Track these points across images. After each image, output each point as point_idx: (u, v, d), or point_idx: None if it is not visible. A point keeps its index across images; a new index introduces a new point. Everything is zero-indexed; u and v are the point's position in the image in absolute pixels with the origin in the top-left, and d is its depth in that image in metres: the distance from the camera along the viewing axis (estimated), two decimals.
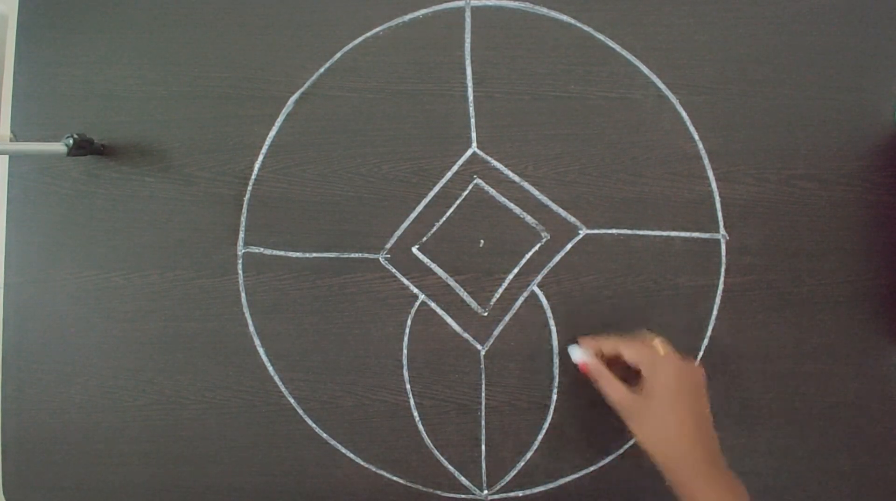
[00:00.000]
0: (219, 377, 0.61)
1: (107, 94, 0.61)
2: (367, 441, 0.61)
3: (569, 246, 0.60)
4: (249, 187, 0.61)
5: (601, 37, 0.60)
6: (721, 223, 0.60)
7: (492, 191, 0.60)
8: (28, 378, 0.61)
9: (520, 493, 0.61)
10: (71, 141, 0.55)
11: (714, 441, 0.50)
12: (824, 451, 0.60)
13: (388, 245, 0.60)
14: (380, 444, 0.61)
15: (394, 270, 0.60)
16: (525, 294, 0.60)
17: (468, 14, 0.60)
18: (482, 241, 0.60)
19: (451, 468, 0.61)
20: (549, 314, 0.60)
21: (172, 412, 0.61)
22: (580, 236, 0.60)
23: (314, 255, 0.60)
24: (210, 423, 0.61)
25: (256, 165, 0.61)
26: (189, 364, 0.61)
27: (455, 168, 0.60)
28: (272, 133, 0.61)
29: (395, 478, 0.61)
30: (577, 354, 0.55)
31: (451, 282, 0.60)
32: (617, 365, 0.53)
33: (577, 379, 0.60)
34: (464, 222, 0.60)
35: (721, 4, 0.60)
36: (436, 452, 0.61)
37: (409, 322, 0.60)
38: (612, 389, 0.52)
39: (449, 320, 0.61)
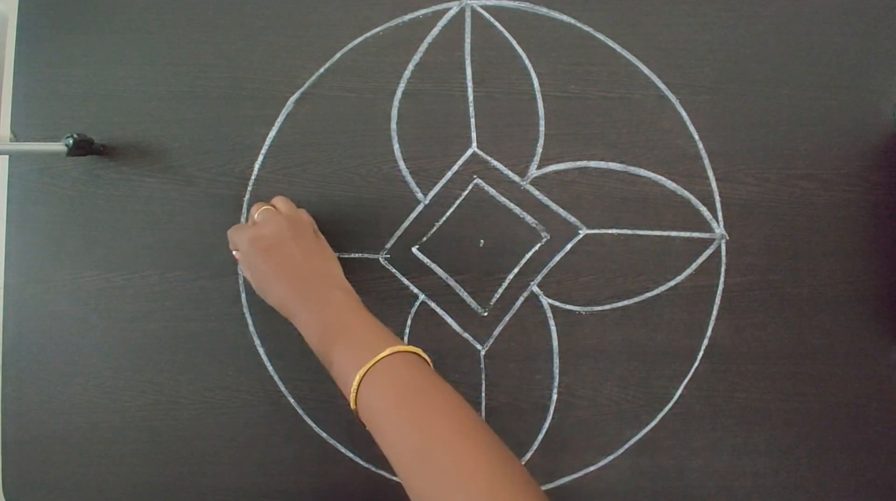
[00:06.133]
0: (219, 377, 0.61)
1: (107, 94, 0.61)
2: (366, 440, 0.60)
3: (569, 246, 0.60)
4: (249, 187, 0.61)
5: (601, 37, 0.60)
6: (721, 223, 0.60)
7: (492, 191, 0.60)
8: (28, 378, 0.61)
9: None
10: (71, 141, 0.55)
11: (298, 275, 0.51)
12: (824, 451, 0.60)
13: (388, 245, 0.60)
14: None
15: (394, 270, 0.60)
16: (525, 294, 0.60)
17: (468, 14, 0.60)
18: (482, 241, 0.60)
19: None
20: (549, 313, 0.60)
21: (172, 413, 0.61)
22: (580, 236, 0.60)
23: None
24: (210, 423, 0.61)
25: (256, 165, 0.61)
26: (189, 364, 0.61)
27: (455, 168, 0.60)
28: (272, 133, 0.61)
29: (394, 478, 0.61)
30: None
31: (451, 282, 0.60)
32: None
33: (577, 379, 0.60)
34: (464, 222, 0.60)
35: (721, 4, 0.60)
36: None
37: (409, 322, 0.60)
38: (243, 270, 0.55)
39: (449, 320, 0.61)
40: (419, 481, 0.38)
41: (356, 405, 0.43)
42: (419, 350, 0.44)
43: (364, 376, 0.42)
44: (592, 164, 0.60)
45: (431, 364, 0.45)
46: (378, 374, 0.42)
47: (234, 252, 0.55)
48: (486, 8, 0.60)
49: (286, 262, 0.51)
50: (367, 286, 0.60)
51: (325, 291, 0.50)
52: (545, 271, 0.60)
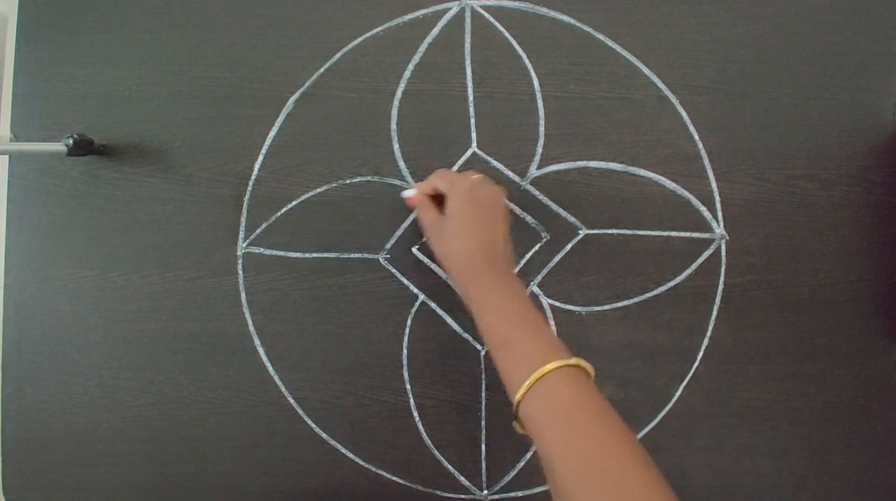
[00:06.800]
0: (219, 377, 0.61)
1: (107, 94, 0.61)
2: (367, 441, 0.61)
3: (569, 246, 0.60)
4: (249, 187, 0.61)
5: (601, 37, 0.60)
6: (721, 223, 0.60)
7: None
8: (28, 378, 0.61)
9: (519, 493, 0.61)
10: (71, 141, 0.55)
11: (498, 250, 0.51)
12: (824, 451, 0.60)
13: (388, 245, 0.60)
14: (380, 444, 0.61)
15: (394, 270, 0.60)
16: None
17: (468, 14, 0.60)
18: None
19: (451, 468, 0.61)
20: (549, 314, 0.60)
21: (172, 412, 0.61)
22: (580, 236, 0.60)
23: (314, 255, 0.60)
24: (210, 423, 0.61)
25: (256, 165, 0.61)
26: (189, 364, 0.61)
27: (455, 168, 0.60)
28: (272, 133, 0.61)
29: (394, 478, 0.61)
30: (408, 191, 0.56)
31: (452, 282, 0.60)
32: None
33: None
34: None
35: (721, 4, 0.60)
36: (436, 452, 0.61)
37: (409, 322, 0.60)
38: (424, 212, 0.54)
39: (449, 320, 0.60)
40: (578, 492, 0.40)
41: (519, 403, 0.45)
42: (586, 363, 0.45)
43: (533, 384, 0.43)
44: (592, 164, 0.60)
45: (594, 375, 0.45)
46: (546, 385, 0.44)
47: (411, 191, 0.55)
48: (486, 8, 0.60)
49: (488, 223, 0.51)
50: (367, 286, 0.60)
51: (507, 272, 0.51)
52: (545, 271, 0.60)
